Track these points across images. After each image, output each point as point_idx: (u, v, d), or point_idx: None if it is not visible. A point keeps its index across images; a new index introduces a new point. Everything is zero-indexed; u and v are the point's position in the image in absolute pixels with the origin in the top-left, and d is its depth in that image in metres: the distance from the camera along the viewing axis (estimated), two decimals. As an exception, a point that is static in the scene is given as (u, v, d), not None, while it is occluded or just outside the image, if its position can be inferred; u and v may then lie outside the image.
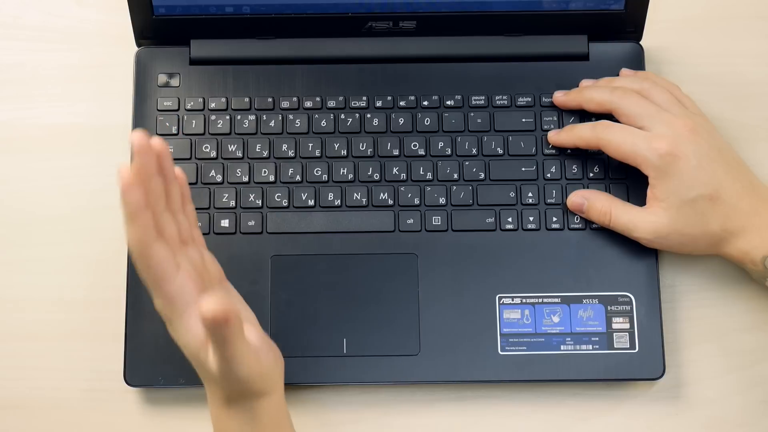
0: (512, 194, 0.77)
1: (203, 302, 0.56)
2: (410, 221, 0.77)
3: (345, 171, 0.78)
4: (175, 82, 0.80)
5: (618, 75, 0.79)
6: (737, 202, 0.72)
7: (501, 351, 0.74)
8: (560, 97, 0.78)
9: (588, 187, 0.77)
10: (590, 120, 0.78)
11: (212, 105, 0.79)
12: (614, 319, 0.74)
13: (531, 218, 0.76)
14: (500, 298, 0.75)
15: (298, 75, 0.80)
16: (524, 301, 0.75)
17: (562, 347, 0.74)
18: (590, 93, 0.76)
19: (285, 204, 0.77)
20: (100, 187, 0.79)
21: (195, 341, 0.61)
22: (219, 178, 0.78)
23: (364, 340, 0.74)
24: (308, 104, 0.79)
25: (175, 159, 0.77)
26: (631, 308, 0.75)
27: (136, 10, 0.77)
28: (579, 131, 0.76)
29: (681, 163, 0.71)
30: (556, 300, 0.75)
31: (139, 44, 0.80)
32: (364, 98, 0.79)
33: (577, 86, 0.79)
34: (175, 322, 0.62)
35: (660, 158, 0.71)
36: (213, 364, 0.61)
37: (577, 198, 0.76)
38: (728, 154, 0.74)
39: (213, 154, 0.78)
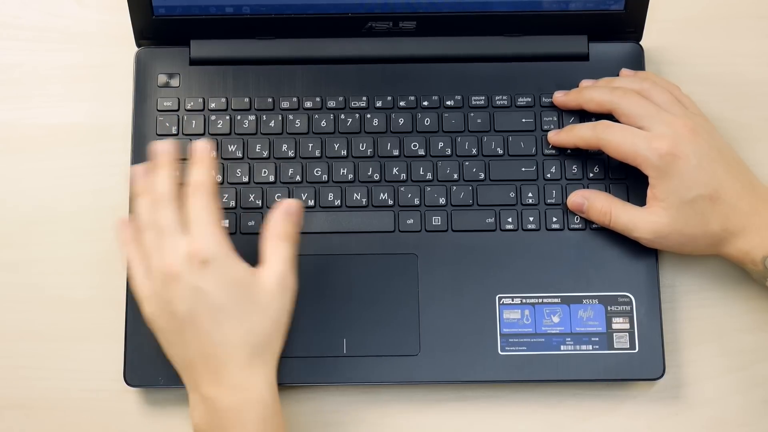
0: (512, 194, 0.77)
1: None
2: (410, 221, 0.77)
3: (345, 171, 0.78)
4: (175, 82, 0.80)
5: (618, 75, 0.79)
6: (737, 202, 0.72)
7: (501, 351, 0.74)
8: (560, 97, 0.78)
9: (588, 188, 0.77)
10: (590, 120, 0.78)
11: (212, 105, 0.79)
12: (614, 319, 0.74)
13: (531, 218, 0.77)
14: (500, 298, 0.75)
15: (298, 75, 0.80)
16: (524, 301, 0.75)
17: (562, 347, 0.74)
18: (590, 93, 0.76)
19: (285, 204, 0.77)
20: (100, 187, 0.79)
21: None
22: (219, 178, 0.78)
23: (364, 340, 0.74)
24: (308, 104, 0.79)
25: (175, 159, 0.78)
26: (631, 308, 0.75)
27: (136, 10, 0.77)
28: (579, 131, 0.76)
29: (681, 163, 0.71)
30: (556, 300, 0.75)
31: (139, 44, 0.80)
32: (364, 98, 0.79)
33: (577, 86, 0.79)
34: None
35: (660, 158, 0.71)
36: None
37: (577, 198, 0.76)
38: (728, 154, 0.74)
39: (213, 154, 0.78)
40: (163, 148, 0.70)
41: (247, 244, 0.75)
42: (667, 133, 0.72)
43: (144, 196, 0.70)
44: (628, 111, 0.74)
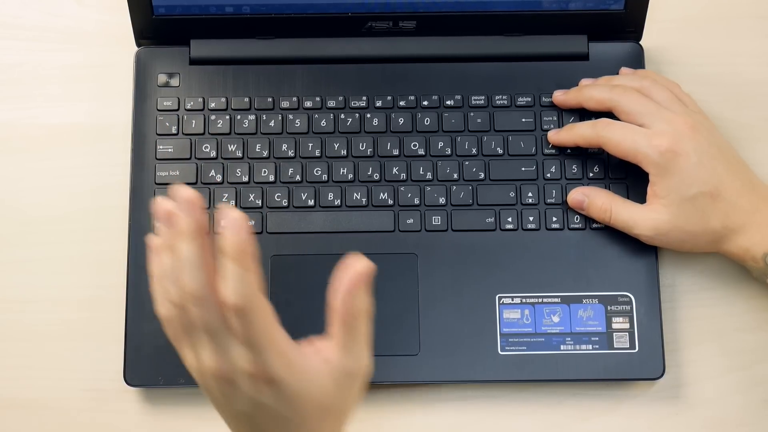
0: (512, 194, 0.77)
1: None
2: (410, 221, 0.77)
3: (345, 171, 0.78)
4: (175, 82, 0.80)
5: (618, 74, 0.79)
6: (737, 199, 0.72)
7: (501, 351, 0.74)
8: (560, 96, 0.78)
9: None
10: (590, 119, 0.78)
11: (212, 105, 0.79)
12: (614, 319, 0.74)
13: (531, 218, 0.76)
14: (500, 298, 0.75)
15: (298, 75, 0.80)
16: (524, 301, 0.75)
17: (562, 347, 0.74)
18: (590, 91, 0.76)
19: (285, 204, 0.77)
20: (101, 187, 0.79)
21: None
22: (219, 178, 0.78)
23: (364, 340, 0.74)
24: (308, 104, 0.79)
25: (175, 159, 0.78)
26: (631, 308, 0.75)
27: (136, 10, 0.77)
28: (579, 130, 0.76)
29: (681, 160, 0.71)
30: (556, 300, 0.75)
31: (139, 44, 0.80)
32: (364, 98, 0.79)
33: (577, 86, 0.79)
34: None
35: (660, 155, 0.71)
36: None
37: (578, 195, 0.76)
38: (728, 152, 0.74)
39: (213, 154, 0.78)
40: (186, 202, 0.54)
41: (247, 244, 0.76)
42: (668, 130, 0.72)
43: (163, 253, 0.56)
44: (628, 108, 0.74)
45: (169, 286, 0.55)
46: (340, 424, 0.60)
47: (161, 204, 0.54)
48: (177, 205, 0.54)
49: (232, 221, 0.53)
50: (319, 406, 0.57)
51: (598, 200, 0.75)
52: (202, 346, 0.56)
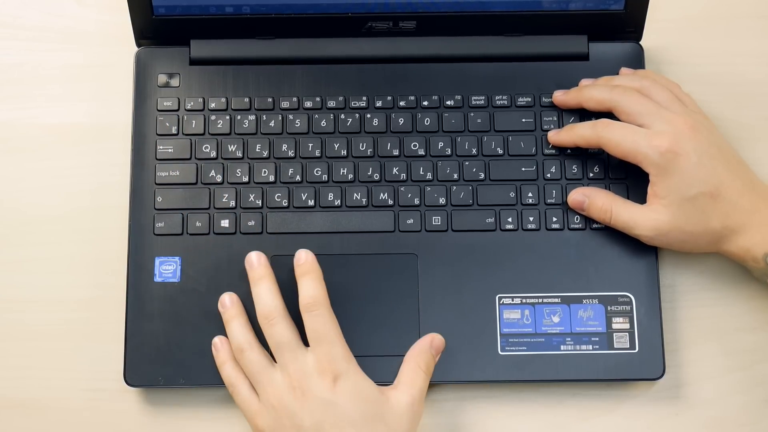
0: (512, 194, 0.77)
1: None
2: (410, 221, 0.77)
3: (345, 171, 0.78)
4: (175, 82, 0.80)
5: (618, 74, 0.79)
6: (738, 199, 0.72)
7: (501, 351, 0.74)
8: (560, 96, 0.78)
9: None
10: (590, 120, 0.78)
11: (212, 105, 0.79)
12: (614, 319, 0.74)
13: (531, 218, 0.76)
14: (500, 298, 0.75)
15: (298, 75, 0.80)
16: (524, 301, 0.75)
17: (562, 347, 0.74)
18: (590, 91, 0.76)
19: (285, 204, 0.77)
20: (100, 187, 0.79)
21: None
22: (219, 178, 0.78)
23: (364, 340, 0.74)
24: (308, 104, 0.79)
25: (175, 159, 0.78)
26: (631, 308, 0.75)
27: (136, 10, 0.77)
28: (579, 130, 0.76)
29: (682, 160, 0.71)
30: (556, 300, 0.75)
31: (139, 44, 0.80)
32: (364, 98, 0.79)
33: (577, 86, 0.79)
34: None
35: (661, 155, 0.71)
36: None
37: (578, 195, 0.76)
38: (728, 152, 0.74)
39: (213, 154, 0.78)
40: (259, 261, 0.73)
41: (248, 244, 0.76)
42: (668, 130, 0.72)
43: (238, 317, 0.72)
44: (628, 109, 0.74)
45: (239, 329, 0.72)
46: None
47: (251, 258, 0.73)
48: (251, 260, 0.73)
49: (302, 253, 0.72)
50: (376, 412, 0.67)
51: (598, 201, 0.75)
52: (272, 372, 0.70)
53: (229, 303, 0.73)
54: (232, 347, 0.72)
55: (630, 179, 0.77)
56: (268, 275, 0.72)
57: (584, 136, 0.75)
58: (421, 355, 0.71)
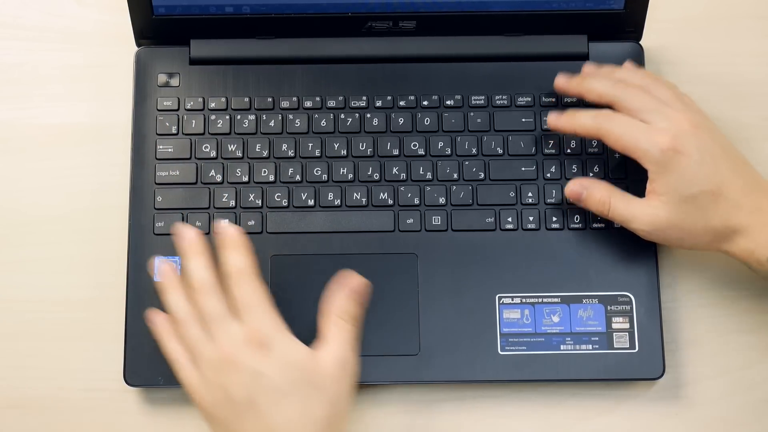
0: (512, 194, 0.77)
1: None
2: (410, 221, 0.77)
3: (345, 171, 0.78)
4: (175, 82, 0.80)
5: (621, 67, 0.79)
6: (741, 198, 0.71)
7: (501, 351, 0.74)
8: (562, 82, 0.77)
9: (588, 187, 0.77)
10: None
11: (212, 105, 0.79)
12: (614, 319, 0.74)
13: (531, 218, 0.76)
14: (500, 298, 0.75)
15: (298, 75, 0.80)
16: (524, 301, 0.75)
17: (561, 347, 0.74)
18: (592, 83, 0.76)
19: (285, 204, 0.77)
20: (100, 187, 0.79)
21: None
22: (219, 178, 0.78)
23: (364, 340, 0.74)
24: (308, 104, 0.79)
25: (175, 159, 0.78)
26: (631, 308, 0.75)
27: (136, 10, 0.77)
28: (580, 118, 0.75)
29: (683, 158, 0.70)
30: (555, 300, 0.75)
31: (139, 44, 0.80)
32: (364, 98, 0.79)
33: (580, 73, 0.78)
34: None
35: (661, 153, 0.71)
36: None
37: (576, 186, 0.75)
38: (731, 151, 0.73)
39: (213, 154, 0.78)
40: (189, 235, 0.70)
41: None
42: (669, 127, 0.71)
43: (176, 289, 0.70)
44: (630, 104, 0.73)
45: (176, 298, 0.69)
46: (335, 411, 0.66)
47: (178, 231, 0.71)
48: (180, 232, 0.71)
49: (225, 226, 0.70)
50: (307, 378, 0.65)
51: (596, 193, 0.74)
52: (203, 344, 0.67)
53: (168, 271, 0.71)
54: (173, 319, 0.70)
55: (630, 179, 0.77)
56: (199, 247, 0.70)
57: (585, 126, 0.74)
58: (340, 305, 0.68)
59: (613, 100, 0.74)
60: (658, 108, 0.73)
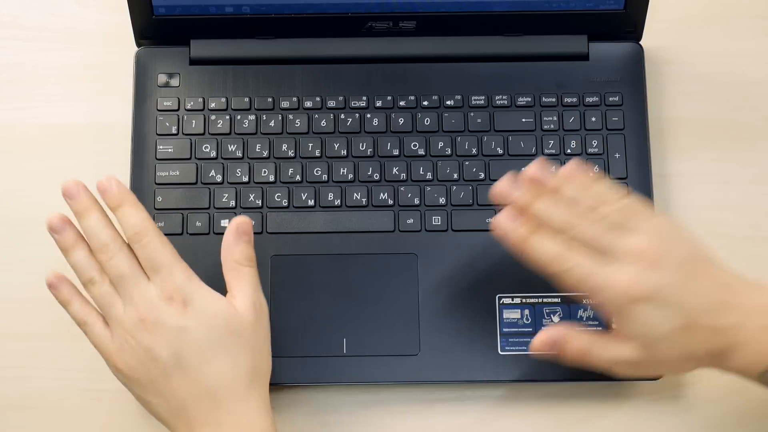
0: (512, 194, 0.77)
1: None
2: (410, 221, 0.77)
3: (345, 171, 0.78)
4: (175, 82, 0.80)
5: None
6: (716, 321, 0.62)
7: (501, 351, 0.74)
8: (502, 221, 0.67)
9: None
10: (590, 120, 0.78)
11: (212, 105, 0.79)
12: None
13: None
14: (500, 298, 0.75)
15: (298, 75, 0.80)
16: (524, 301, 0.75)
17: (562, 347, 0.74)
18: (535, 247, 0.66)
19: (285, 204, 0.77)
20: (100, 187, 0.79)
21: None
22: (219, 178, 0.78)
23: (364, 340, 0.74)
24: (308, 104, 0.79)
25: (175, 159, 0.78)
26: (631, 308, 0.75)
27: (136, 10, 0.77)
28: (540, 250, 0.65)
29: (641, 306, 0.62)
30: (556, 300, 0.75)
31: (139, 44, 0.80)
32: (364, 98, 0.79)
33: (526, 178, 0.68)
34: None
35: (619, 305, 0.63)
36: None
37: (549, 337, 0.66)
38: (697, 261, 0.64)
39: (213, 154, 0.78)
40: (74, 191, 0.66)
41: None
42: (623, 269, 0.63)
43: (78, 247, 0.67)
44: (582, 237, 0.64)
45: (84, 260, 0.67)
46: (259, 357, 0.67)
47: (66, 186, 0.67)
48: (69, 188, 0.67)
49: (104, 182, 0.66)
50: (229, 328, 0.65)
51: (575, 343, 0.66)
52: (118, 306, 0.66)
53: (60, 226, 0.67)
54: (78, 280, 0.67)
55: (630, 178, 0.77)
56: (94, 204, 0.66)
57: (539, 259, 0.66)
58: (233, 252, 0.67)
59: (561, 264, 0.65)
60: (611, 242, 0.64)
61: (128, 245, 0.66)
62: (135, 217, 0.66)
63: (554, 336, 0.66)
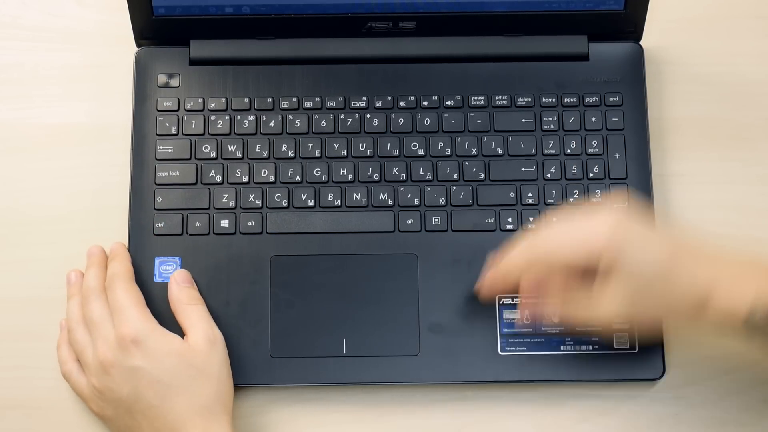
0: (512, 194, 0.77)
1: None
2: (410, 221, 0.77)
3: (345, 171, 0.78)
4: (174, 82, 0.80)
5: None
6: (695, 266, 0.65)
7: (501, 351, 0.74)
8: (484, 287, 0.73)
9: (588, 188, 0.77)
10: (589, 120, 0.78)
11: (212, 105, 0.79)
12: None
13: (531, 218, 0.76)
14: (500, 298, 0.75)
15: (298, 75, 0.80)
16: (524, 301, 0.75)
17: (562, 347, 0.74)
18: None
19: (285, 204, 0.77)
20: (100, 187, 0.79)
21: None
22: (219, 178, 0.78)
23: (364, 340, 0.74)
24: (308, 104, 0.79)
25: (175, 159, 0.78)
26: (631, 308, 0.75)
27: (136, 10, 0.77)
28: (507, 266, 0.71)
29: (623, 255, 0.65)
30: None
31: (139, 44, 0.80)
32: (364, 98, 0.79)
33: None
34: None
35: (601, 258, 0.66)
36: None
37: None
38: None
39: (213, 154, 0.78)
40: (91, 251, 0.75)
41: (248, 244, 0.76)
42: (604, 222, 0.66)
43: (74, 297, 0.74)
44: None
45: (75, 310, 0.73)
46: (220, 387, 0.70)
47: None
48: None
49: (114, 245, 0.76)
50: (183, 363, 0.69)
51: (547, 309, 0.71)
52: (88, 350, 0.71)
53: (74, 279, 0.75)
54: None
55: (630, 179, 0.77)
56: (96, 259, 0.75)
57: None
58: (179, 297, 0.73)
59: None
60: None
61: (105, 297, 0.73)
62: (117, 265, 0.74)
63: (539, 282, 0.69)
